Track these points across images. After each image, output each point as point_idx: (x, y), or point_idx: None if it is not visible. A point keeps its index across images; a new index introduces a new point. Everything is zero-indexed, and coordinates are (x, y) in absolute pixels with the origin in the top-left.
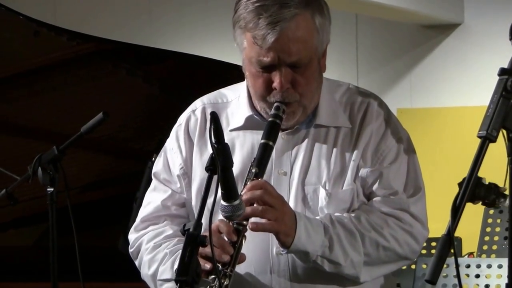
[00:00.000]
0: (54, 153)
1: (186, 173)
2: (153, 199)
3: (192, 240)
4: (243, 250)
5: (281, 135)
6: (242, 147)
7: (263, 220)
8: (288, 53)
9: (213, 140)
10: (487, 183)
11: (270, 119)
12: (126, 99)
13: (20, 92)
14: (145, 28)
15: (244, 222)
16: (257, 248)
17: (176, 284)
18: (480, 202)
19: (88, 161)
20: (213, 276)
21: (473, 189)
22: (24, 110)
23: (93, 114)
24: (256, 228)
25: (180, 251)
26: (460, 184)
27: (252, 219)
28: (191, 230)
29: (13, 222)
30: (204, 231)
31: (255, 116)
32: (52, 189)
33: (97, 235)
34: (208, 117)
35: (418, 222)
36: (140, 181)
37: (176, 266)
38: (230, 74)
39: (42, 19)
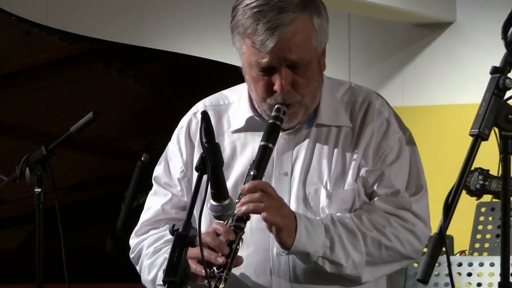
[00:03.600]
0: (42, 153)
1: (187, 176)
2: (153, 203)
3: (181, 240)
4: (243, 250)
5: (282, 135)
6: (243, 149)
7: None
8: (288, 55)
9: (204, 140)
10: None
11: (270, 121)
12: (117, 98)
13: (10, 91)
14: (137, 27)
15: (242, 225)
16: (257, 249)
17: (164, 285)
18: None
19: (77, 161)
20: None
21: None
22: (14, 110)
23: (83, 114)
24: (269, 218)
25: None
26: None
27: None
28: (180, 230)
29: None
30: (203, 232)
31: (256, 117)
32: (39, 189)
33: (85, 236)
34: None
35: (420, 221)
36: (129, 181)
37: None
38: (222, 74)
39: (33, 19)
